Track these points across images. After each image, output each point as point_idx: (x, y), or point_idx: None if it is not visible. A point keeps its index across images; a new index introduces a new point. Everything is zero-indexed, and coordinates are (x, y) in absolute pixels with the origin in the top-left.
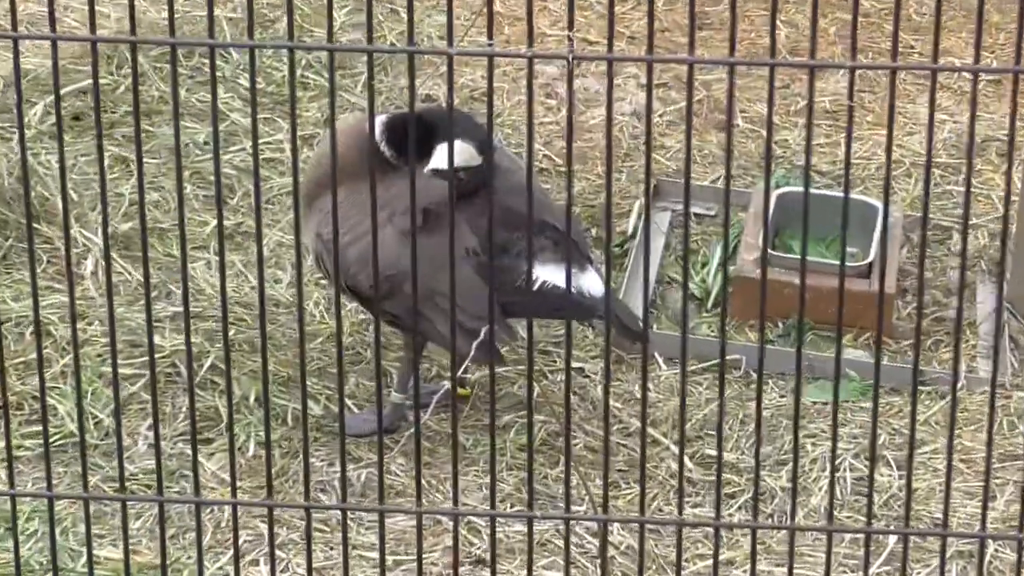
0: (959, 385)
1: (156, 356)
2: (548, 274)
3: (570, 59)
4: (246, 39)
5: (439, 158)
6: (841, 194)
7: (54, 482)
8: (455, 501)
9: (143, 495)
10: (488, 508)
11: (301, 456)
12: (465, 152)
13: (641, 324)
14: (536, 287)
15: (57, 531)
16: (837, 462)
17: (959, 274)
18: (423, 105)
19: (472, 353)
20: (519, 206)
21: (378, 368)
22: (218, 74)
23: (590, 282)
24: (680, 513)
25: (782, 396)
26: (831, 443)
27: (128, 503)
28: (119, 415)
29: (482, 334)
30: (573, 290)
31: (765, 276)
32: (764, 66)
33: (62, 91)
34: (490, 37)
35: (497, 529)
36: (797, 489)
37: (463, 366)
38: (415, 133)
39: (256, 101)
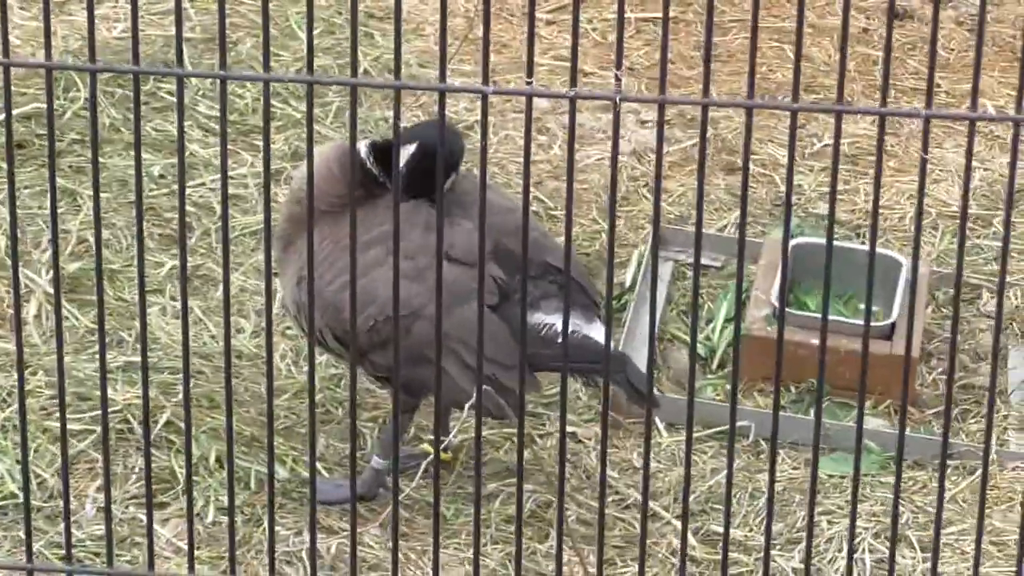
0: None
1: (107, 410)
2: (556, 321)
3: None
4: (216, 68)
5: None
6: (858, 246)
7: None
8: None
9: (91, 567)
10: None
11: (266, 524)
12: (406, 152)
13: (647, 386)
14: (558, 336)
15: None
16: (857, 542)
17: (993, 337)
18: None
19: (466, 410)
20: (519, 248)
21: (353, 428)
22: (173, 99)
23: (596, 334)
24: None
25: (795, 468)
26: (850, 521)
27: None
28: (67, 478)
29: (472, 396)
30: (579, 336)
31: (782, 337)
32: (786, 111)
33: None
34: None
35: None
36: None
37: (456, 426)
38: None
39: (226, 135)
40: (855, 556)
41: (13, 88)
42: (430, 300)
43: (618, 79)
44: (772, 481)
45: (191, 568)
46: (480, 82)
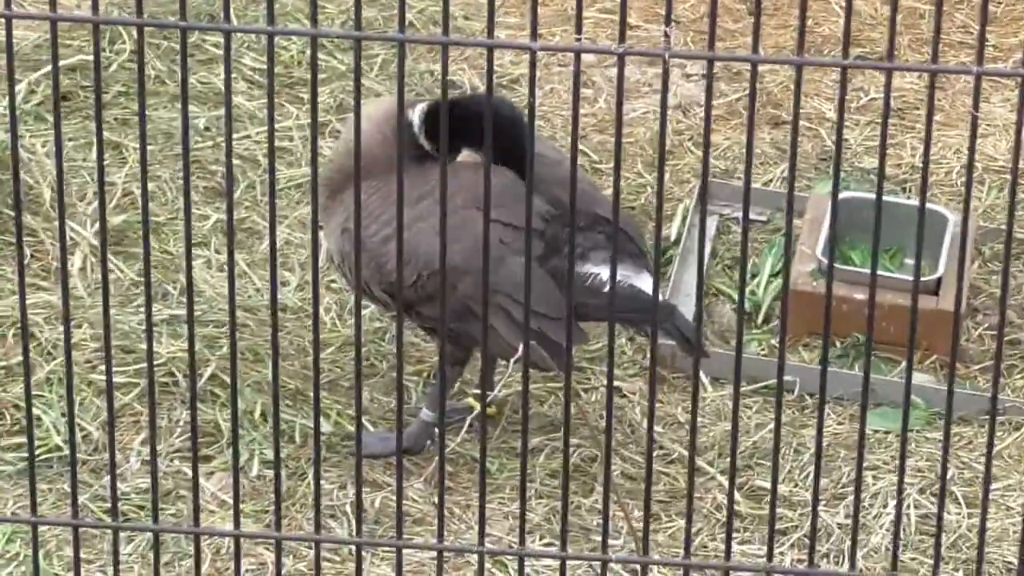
0: None
1: (153, 364)
2: (604, 271)
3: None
4: (262, 22)
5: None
6: (905, 201)
7: (37, 500)
8: (481, 537)
9: (137, 523)
10: (516, 544)
11: (310, 479)
12: (471, 159)
13: (699, 336)
14: (608, 287)
15: (40, 553)
16: (902, 497)
17: None
18: (453, 93)
19: (511, 364)
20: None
21: (400, 381)
22: (219, 52)
23: (644, 284)
24: (728, 557)
25: (839, 423)
26: (897, 477)
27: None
28: (113, 434)
29: (519, 349)
30: (627, 285)
31: (830, 291)
32: (836, 67)
33: (46, 69)
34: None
35: (525, 564)
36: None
37: (501, 380)
38: (448, 124)
39: (273, 90)
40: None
41: (57, 40)
42: (474, 255)
43: (667, 35)
44: (820, 436)
45: (236, 524)
46: (528, 38)
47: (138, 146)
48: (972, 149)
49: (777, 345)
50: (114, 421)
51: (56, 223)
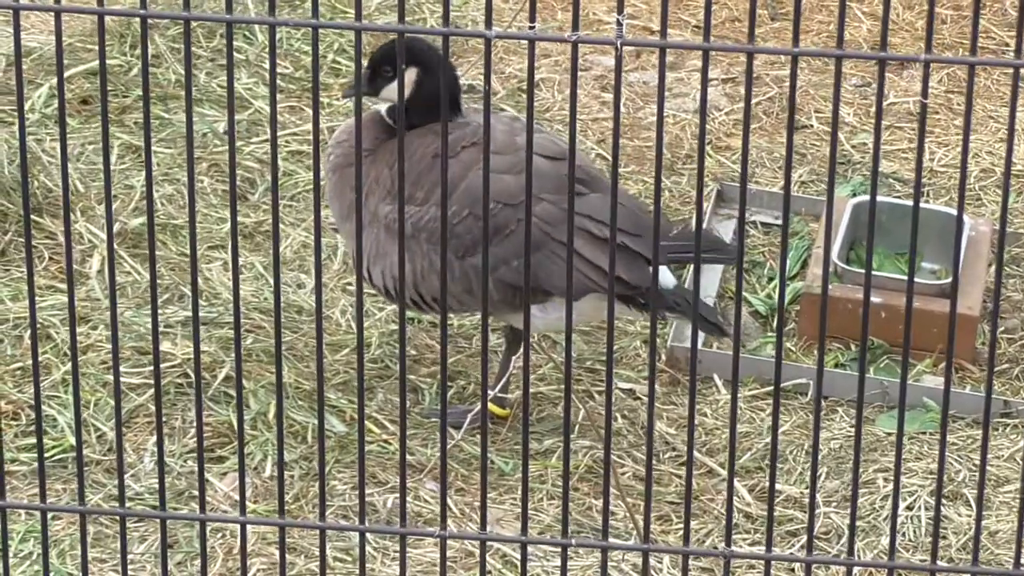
0: None
1: (166, 365)
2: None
3: (618, 44)
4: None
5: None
6: (922, 204)
7: (50, 501)
8: (483, 525)
9: (144, 510)
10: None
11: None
12: (408, 76)
13: (719, 317)
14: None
15: (53, 553)
16: (912, 499)
17: None
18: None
19: (510, 366)
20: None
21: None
22: (241, 56)
23: (661, 276)
24: (728, 544)
25: (853, 425)
26: (906, 475)
27: (129, 522)
28: (119, 425)
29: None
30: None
31: (826, 291)
32: (831, 57)
33: (68, 72)
34: (532, 20)
35: (535, 564)
36: (860, 526)
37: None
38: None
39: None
40: (910, 513)
41: (79, 45)
42: (539, 189)
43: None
44: (816, 436)
45: (242, 511)
46: (527, 28)
47: (158, 149)
48: (1010, 146)
49: (792, 349)
50: (120, 411)
51: (75, 226)
